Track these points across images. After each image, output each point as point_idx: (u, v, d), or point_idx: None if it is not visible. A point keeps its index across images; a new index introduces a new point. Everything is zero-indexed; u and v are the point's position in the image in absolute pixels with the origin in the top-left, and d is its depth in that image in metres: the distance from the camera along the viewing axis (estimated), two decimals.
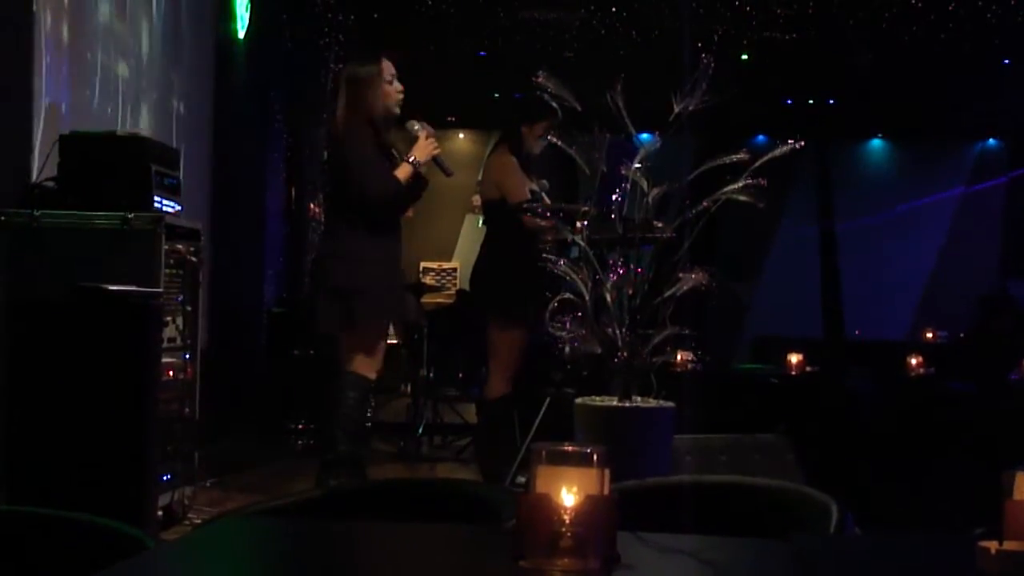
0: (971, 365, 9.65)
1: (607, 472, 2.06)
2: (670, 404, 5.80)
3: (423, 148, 6.83)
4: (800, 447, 6.48)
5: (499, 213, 7.53)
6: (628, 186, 5.88)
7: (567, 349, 6.42)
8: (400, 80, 6.88)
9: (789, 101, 15.58)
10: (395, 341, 13.37)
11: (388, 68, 6.84)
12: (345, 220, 6.71)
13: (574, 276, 5.95)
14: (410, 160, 6.77)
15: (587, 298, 5.85)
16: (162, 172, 6.13)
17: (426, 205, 17.28)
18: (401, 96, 6.87)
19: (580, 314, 5.96)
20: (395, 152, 6.82)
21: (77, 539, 2.50)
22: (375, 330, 6.83)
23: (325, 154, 7.25)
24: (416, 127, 6.90)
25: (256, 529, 2.58)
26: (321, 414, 8.14)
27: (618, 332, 5.79)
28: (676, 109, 5.69)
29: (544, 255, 6.13)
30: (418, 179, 6.84)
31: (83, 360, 5.42)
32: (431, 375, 10.59)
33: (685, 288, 5.82)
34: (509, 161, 7.53)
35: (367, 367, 6.70)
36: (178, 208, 6.31)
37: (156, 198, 6.00)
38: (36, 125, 6.42)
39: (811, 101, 15.55)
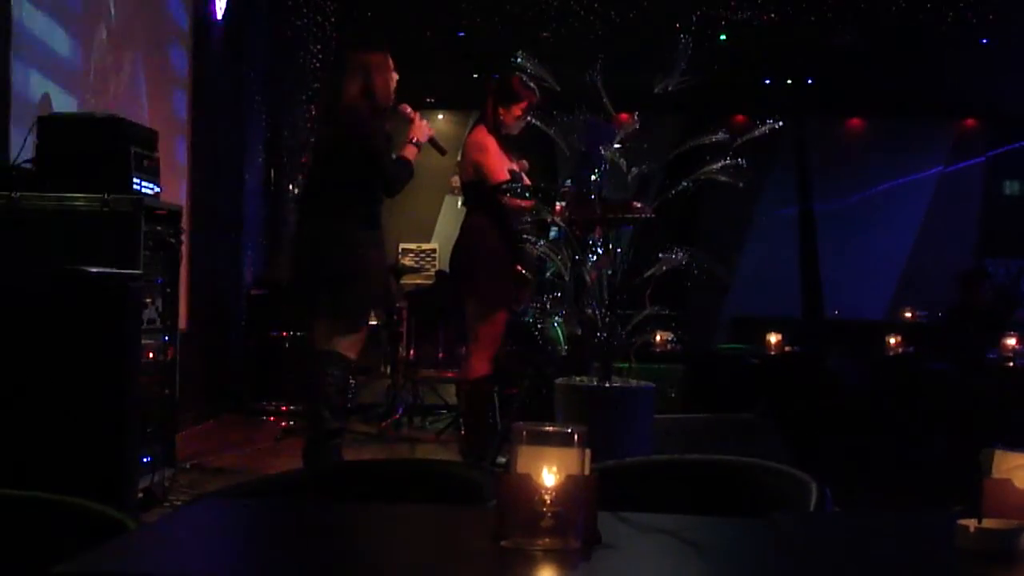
0: (950, 344, 9.67)
1: (588, 452, 2.06)
2: (650, 384, 5.82)
3: (421, 129, 6.97)
4: (780, 426, 6.50)
5: (478, 194, 7.52)
6: (607, 166, 5.89)
7: (547, 329, 6.44)
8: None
9: (768, 81, 15.58)
10: (375, 322, 13.38)
11: (391, 61, 6.91)
12: (344, 204, 6.70)
13: (554, 257, 5.96)
14: (414, 141, 6.88)
15: (567, 279, 5.86)
16: (140, 153, 6.11)
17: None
18: (395, 87, 6.93)
19: (560, 294, 5.97)
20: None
21: (57, 521, 2.50)
22: (365, 315, 6.89)
23: (322, 136, 7.18)
24: (408, 111, 6.99)
25: (236, 511, 2.58)
26: (302, 394, 8.13)
27: (598, 312, 5.81)
28: (656, 89, 5.70)
29: (524, 236, 6.14)
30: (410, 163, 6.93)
31: (62, 342, 5.40)
32: (411, 356, 10.59)
33: (664, 269, 5.84)
34: (488, 142, 7.52)
35: (351, 349, 6.74)
36: (157, 190, 6.30)
37: (135, 180, 5.99)
38: (13, 106, 6.39)
39: (789, 81, 15.56)
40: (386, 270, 7.14)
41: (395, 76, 6.89)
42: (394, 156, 6.76)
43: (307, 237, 6.80)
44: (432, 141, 7.06)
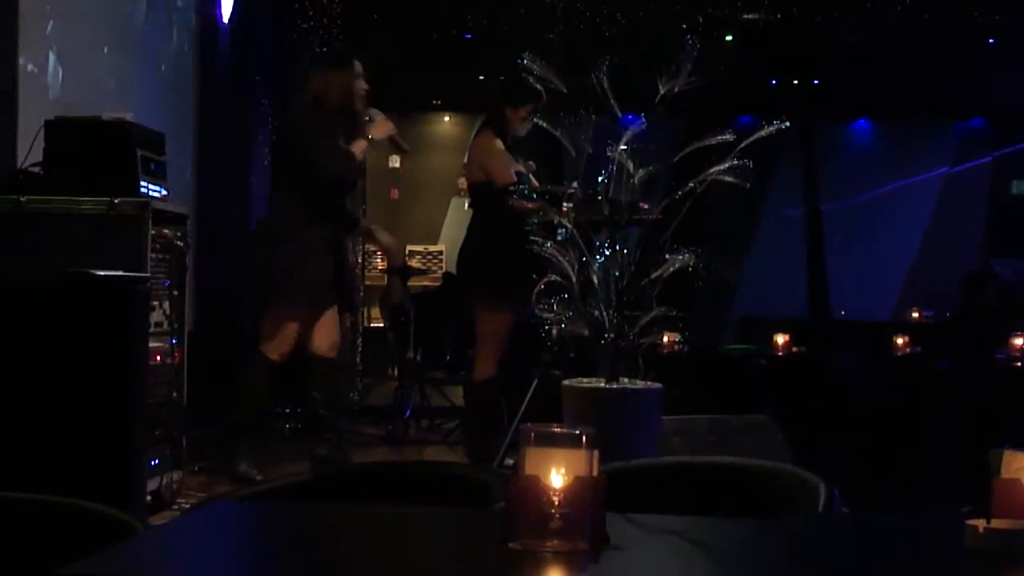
0: (957, 344, 9.66)
1: (596, 453, 2.06)
2: (657, 385, 5.81)
3: (380, 127, 7.24)
4: (787, 427, 6.50)
5: (485, 196, 7.52)
6: (614, 168, 5.88)
7: (554, 331, 6.43)
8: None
9: (774, 82, 15.56)
10: (382, 324, 13.39)
11: (357, 66, 7.21)
12: (284, 200, 7.07)
13: (561, 258, 5.96)
14: (368, 137, 7.15)
15: (574, 280, 5.86)
16: (148, 157, 6.12)
17: (412, 188, 17.25)
18: (366, 93, 7.21)
19: (567, 296, 5.97)
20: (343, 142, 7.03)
21: (66, 524, 2.50)
22: (291, 314, 7.06)
23: (275, 138, 7.58)
24: (373, 112, 7.27)
25: (244, 513, 2.58)
26: (304, 397, 8.17)
27: (605, 314, 5.80)
28: (662, 90, 5.70)
29: (531, 237, 6.14)
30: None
31: (70, 345, 5.40)
32: (418, 358, 10.59)
33: (671, 269, 5.84)
34: (494, 143, 7.52)
35: (271, 349, 7.08)
36: (164, 193, 6.31)
37: (142, 183, 6.00)
38: (20, 110, 6.39)
39: (796, 82, 15.54)
40: (333, 266, 7.14)
41: (363, 85, 7.21)
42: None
43: (256, 234, 7.16)
44: (392, 140, 7.42)
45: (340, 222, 7.17)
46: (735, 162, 5.71)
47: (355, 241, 8.22)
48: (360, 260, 12.21)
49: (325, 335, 7.14)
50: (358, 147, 7.07)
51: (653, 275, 5.81)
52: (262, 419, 7.28)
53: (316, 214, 6.99)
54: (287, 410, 9.97)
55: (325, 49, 11.46)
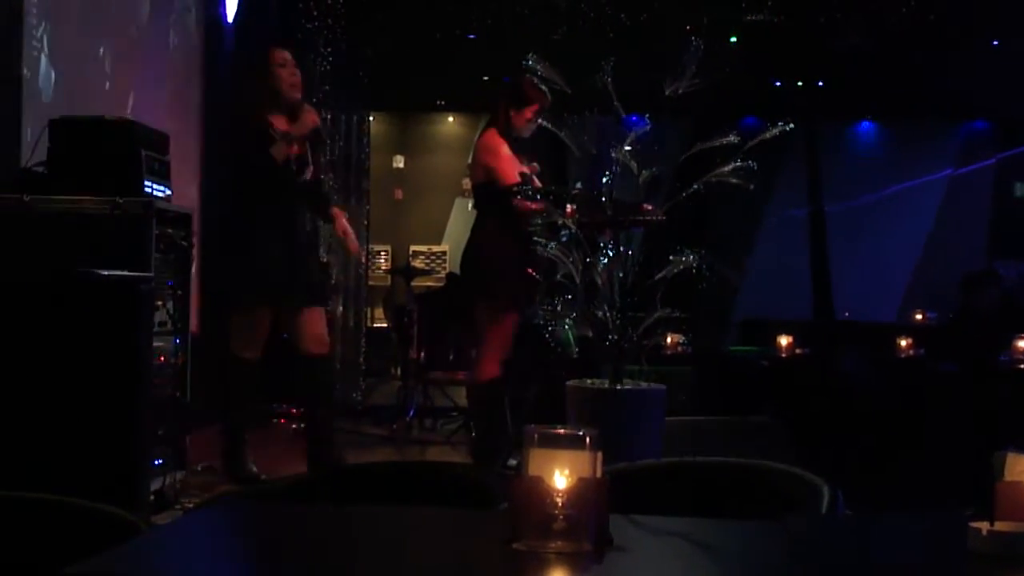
0: (959, 346, 9.65)
1: (599, 454, 2.06)
2: (661, 386, 5.82)
3: (303, 121, 7.14)
4: (790, 428, 6.50)
5: (489, 196, 7.52)
6: (618, 169, 5.89)
7: (558, 332, 6.44)
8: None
9: (778, 83, 15.56)
10: (385, 325, 13.39)
11: (279, 56, 7.21)
12: (234, 202, 7.20)
13: (564, 259, 5.96)
14: (284, 135, 7.04)
15: (578, 281, 5.86)
16: (152, 156, 6.12)
17: (416, 188, 17.25)
18: (295, 79, 7.19)
19: (571, 297, 5.97)
20: (274, 135, 6.98)
21: (70, 523, 2.50)
22: (241, 313, 7.17)
23: None
24: (305, 105, 7.25)
25: (248, 513, 2.58)
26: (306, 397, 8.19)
27: (609, 315, 5.81)
28: (666, 92, 5.70)
29: (535, 238, 6.15)
30: (300, 157, 7.16)
31: (74, 345, 5.41)
32: (421, 358, 10.59)
33: (675, 271, 5.84)
34: (498, 144, 7.52)
35: (240, 348, 7.15)
36: (168, 192, 6.31)
37: (146, 182, 6.00)
38: (24, 110, 6.40)
39: (800, 83, 15.53)
40: (286, 262, 7.14)
41: (290, 73, 7.21)
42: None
43: None
44: (315, 132, 7.31)
45: (281, 222, 7.13)
46: (739, 163, 5.72)
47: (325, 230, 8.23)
48: (365, 260, 12.22)
49: (305, 334, 7.16)
50: (277, 150, 6.99)
51: (657, 276, 5.82)
52: (261, 418, 7.32)
53: (252, 216, 7.04)
54: (292, 411, 9.98)
55: (330, 50, 11.49)
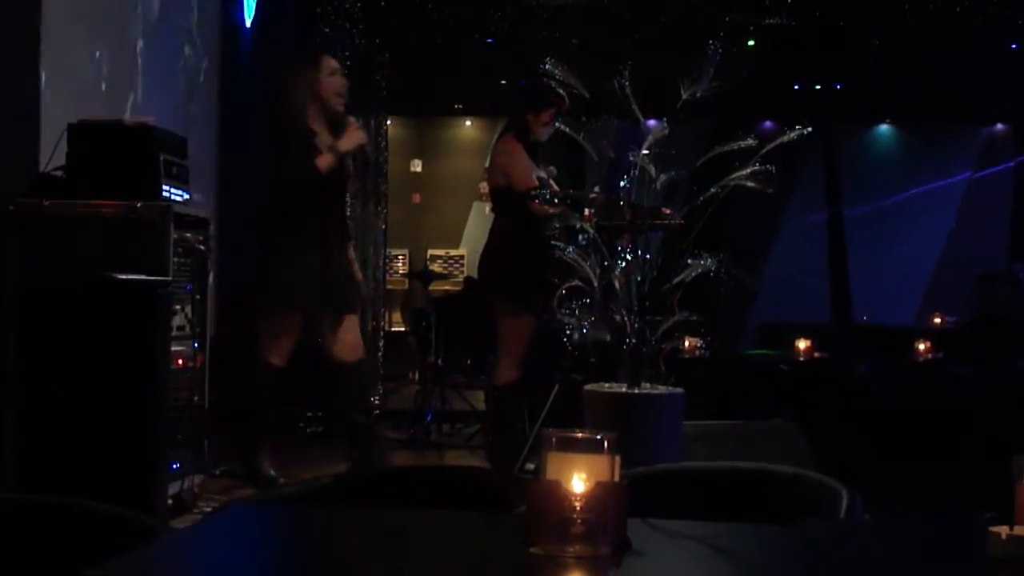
0: (978, 350, 9.62)
1: (617, 458, 2.06)
2: (679, 390, 5.81)
3: (350, 137, 7.11)
4: (809, 432, 6.49)
5: (507, 200, 7.53)
6: (636, 172, 5.89)
7: (576, 336, 6.44)
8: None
9: (796, 87, 15.55)
10: (403, 329, 13.40)
11: (328, 64, 7.21)
12: (269, 211, 7.17)
13: (582, 263, 5.96)
14: (332, 148, 7.03)
15: (595, 285, 5.86)
16: (170, 160, 6.12)
17: (434, 192, 17.27)
18: (341, 90, 7.19)
19: (589, 301, 5.97)
20: (319, 145, 6.95)
21: (87, 526, 2.50)
22: (273, 319, 7.15)
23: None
24: (350, 119, 7.22)
25: (266, 517, 2.58)
26: (330, 401, 8.21)
27: (627, 319, 5.81)
28: (684, 95, 5.70)
29: (552, 242, 6.15)
30: (342, 169, 7.17)
31: (92, 349, 5.42)
32: (439, 362, 10.59)
33: (693, 274, 5.83)
34: (515, 148, 7.52)
35: (269, 354, 7.13)
36: (186, 197, 6.31)
37: (164, 187, 6.00)
38: (43, 114, 6.41)
39: (818, 86, 15.52)
40: (318, 269, 7.11)
41: (337, 82, 7.22)
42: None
43: None
44: (362, 149, 7.44)
45: (319, 229, 7.10)
46: (757, 167, 5.71)
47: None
48: (382, 264, 12.22)
49: (338, 341, 7.15)
50: (323, 161, 6.97)
51: (675, 280, 5.82)
52: (283, 422, 7.32)
53: (290, 223, 7.00)
54: (309, 414, 9.98)
55: (347, 54, 11.49)
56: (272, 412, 7.27)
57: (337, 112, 7.13)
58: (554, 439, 2.06)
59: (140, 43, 7.93)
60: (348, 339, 7.16)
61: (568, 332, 6.70)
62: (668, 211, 6.12)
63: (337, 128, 7.09)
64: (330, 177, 7.02)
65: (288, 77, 7.27)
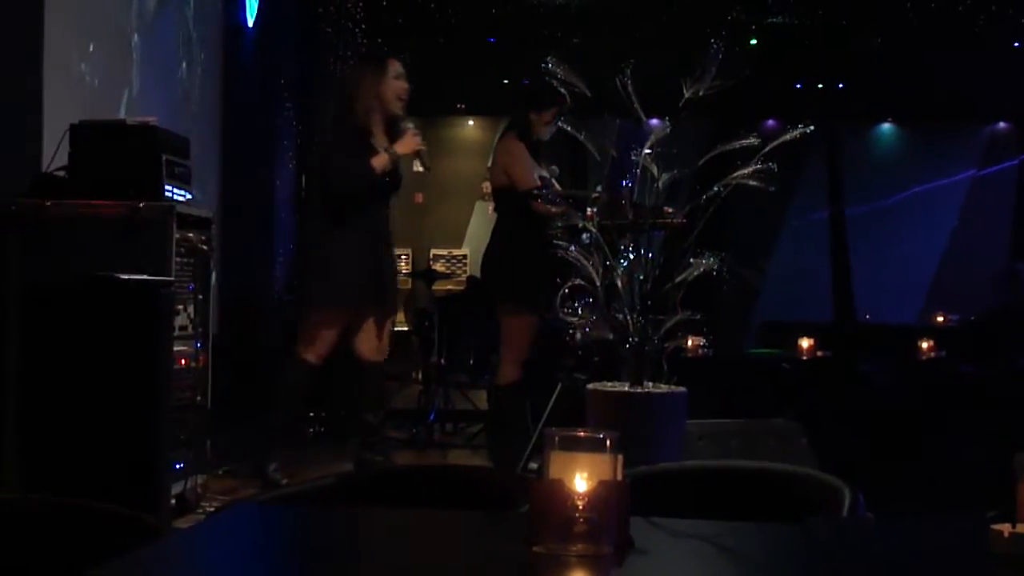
0: (982, 348, 9.61)
1: (620, 457, 2.06)
2: (681, 389, 5.80)
3: (407, 142, 7.22)
4: (811, 431, 6.48)
5: (509, 199, 7.53)
6: (638, 171, 5.88)
7: (578, 335, 6.43)
8: (406, 68, 7.13)
9: (799, 85, 15.55)
10: (405, 328, 13.40)
11: (394, 67, 7.24)
12: (316, 206, 7.25)
13: (585, 262, 5.95)
14: (388, 150, 7.12)
15: (598, 284, 5.85)
16: (172, 161, 6.12)
17: (436, 192, 17.26)
18: (404, 94, 7.24)
19: (591, 300, 5.96)
20: (376, 145, 6.98)
21: (90, 526, 2.50)
22: (323, 315, 7.15)
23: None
24: (408, 124, 7.28)
25: (269, 516, 2.58)
26: (336, 400, 8.24)
27: (629, 318, 5.79)
28: (686, 94, 5.69)
29: (555, 241, 6.14)
30: (395, 172, 7.25)
31: (95, 349, 5.42)
32: (442, 362, 10.58)
33: (696, 273, 5.83)
34: (517, 147, 7.52)
35: (308, 351, 7.13)
36: (188, 196, 6.32)
37: (166, 187, 6.01)
38: (45, 114, 6.41)
39: (820, 85, 15.52)
40: (368, 270, 7.13)
41: (401, 86, 7.25)
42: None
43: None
44: (419, 155, 7.43)
45: (370, 228, 7.15)
46: (759, 166, 5.70)
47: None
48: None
49: (368, 340, 7.18)
50: (378, 162, 7.04)
51: (677, 279, 5.80)
52: (296, 423, 7.36)
53: (342, 220, 7.04)
54: (311, 414, 9.98)
55: (350, 54, 11.50)
56: (293, 412, 7.28)
57: (396, 115, 7.22)
58: (557, 438, 2.06)
59: (142, 43, 7.93)
60: (380, 340, 7.23)
61: (571, 331, 6.69)
62: (670, 210, 6.11)
63: (394, 131, 7.15)
64: (383, 177, 7.08)
65: (354, 77, 7.33)
